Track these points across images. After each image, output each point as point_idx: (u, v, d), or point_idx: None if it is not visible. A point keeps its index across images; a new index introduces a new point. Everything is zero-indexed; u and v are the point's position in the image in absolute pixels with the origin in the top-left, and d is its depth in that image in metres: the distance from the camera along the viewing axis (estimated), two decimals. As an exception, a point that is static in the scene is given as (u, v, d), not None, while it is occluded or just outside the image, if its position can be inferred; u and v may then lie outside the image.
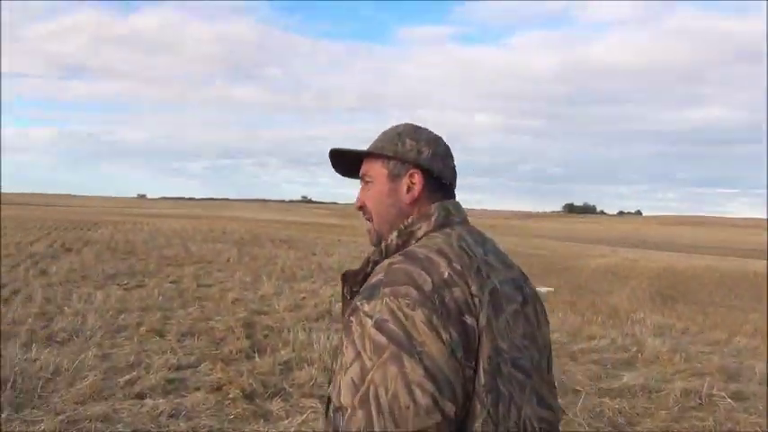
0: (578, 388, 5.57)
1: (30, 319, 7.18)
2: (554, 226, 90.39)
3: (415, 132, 1.38)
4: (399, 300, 1.11)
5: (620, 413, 5.03)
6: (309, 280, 12.27)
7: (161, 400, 4.61)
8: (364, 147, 1.42)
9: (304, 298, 9.92)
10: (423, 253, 1.20)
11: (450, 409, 1.07)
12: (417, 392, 1.05)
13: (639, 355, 7.02)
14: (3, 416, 4.17)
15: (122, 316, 7.64)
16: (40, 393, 4.69)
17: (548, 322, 1.36)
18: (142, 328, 7.05)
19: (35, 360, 5.48)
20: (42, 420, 4.15)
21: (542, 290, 13.01)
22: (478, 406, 1.11)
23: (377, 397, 1.06)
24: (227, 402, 4.74)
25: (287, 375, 5.59)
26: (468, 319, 1.13)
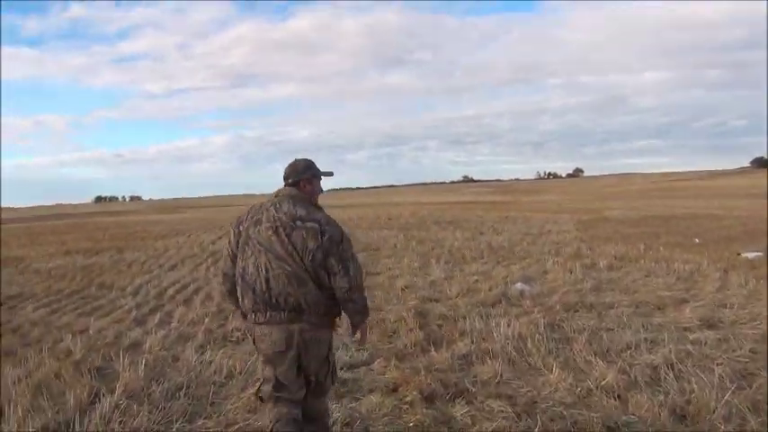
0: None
1: (207, 319, 7.23)
2: (742, 183, 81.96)
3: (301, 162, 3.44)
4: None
5: None
6: (480, 261, 11.62)
7: (334, 405, 4.21)
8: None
9: (477, 281, 9.29)
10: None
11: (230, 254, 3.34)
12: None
13: None
14: (174, 428, 3.98)
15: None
16: (212, 400, 4.49)
17: (311, 237, 3.13)
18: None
19: (210, 362, 5.37)
20: None
21: (750, 255, 11.36)
22: (240, 256, 3.24)
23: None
24: (404, 407, 4.24)
25: (468, 371, 5.01)
26: (242, 226, 3.29)
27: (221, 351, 5.72)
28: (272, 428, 3.14)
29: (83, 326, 7.17)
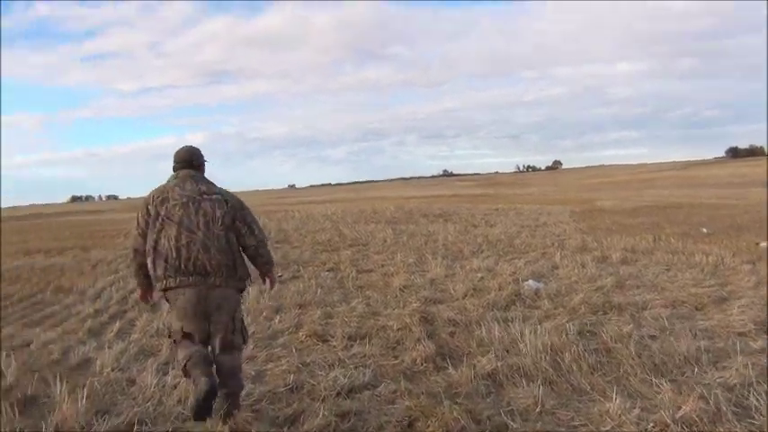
0: None
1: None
2: (719, 173, 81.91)
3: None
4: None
5: None
6: (480, 256, 10.60)
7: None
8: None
9: (482, 279, 8.29)
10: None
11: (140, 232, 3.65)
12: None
13: None
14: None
15: (278, 317, 6.41)
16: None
17: (218, 206, 3.63)
18: (301, 332, 5.78)
19: (174, 386, 4.29)
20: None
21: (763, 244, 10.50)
22: (151, 232, 3.58)
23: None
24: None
25: (498, 396, 4.00)
26: (150, 206, 3.61)
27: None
28: (184, 365, 3.53)
29: (26, 339, 6.06)
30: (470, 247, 11.71)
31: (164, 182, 3.76)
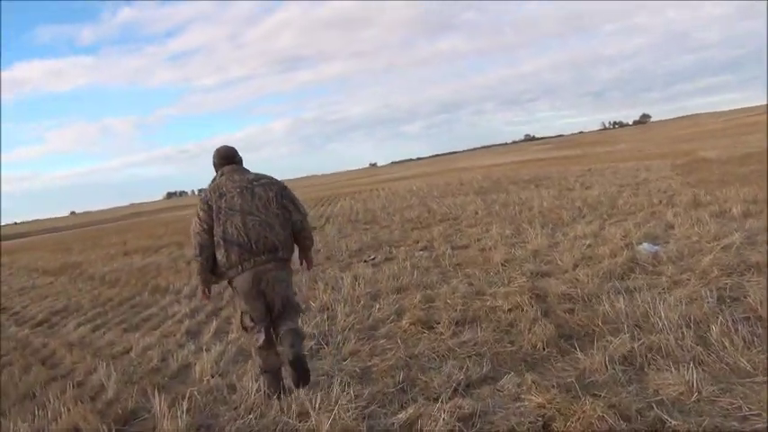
0: None
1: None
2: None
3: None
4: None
5: None
6: (582, 221, 9.88)
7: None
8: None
9: (589, 246, 7.62)
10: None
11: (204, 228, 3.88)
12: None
13: None
14: None
15: (377, 305, 6.03)
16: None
17: (269, 189, 3.99)
18: (404, 320, 5.37)
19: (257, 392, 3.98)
20: None
21: None
22: (216, 225, 3.85)
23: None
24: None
25: (642, 385, 3.44)
26: (210, 202, 3.89)
27: (285, 371, 4.34)
28: (257, 348, 3.95)
29: (126, 345, 5.96)
30: (570, 213, 10.96)
31: (209, 182, 4.14)
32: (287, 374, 4.00)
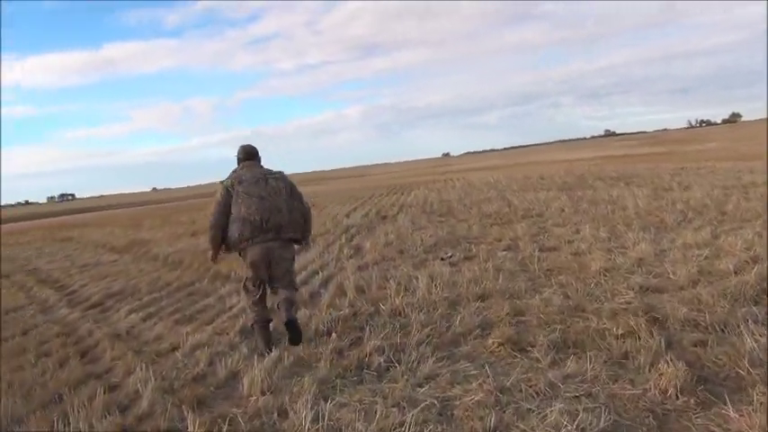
0: None
1: (338, 326, 5.22)
2: None
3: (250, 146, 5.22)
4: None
5: None
6: (690, 226, 8.72)
7: None
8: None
9: (706, 258, 6.54)
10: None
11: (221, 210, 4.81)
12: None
13: None
14: None
15: (457, 315, 5.18)
16: None
17: (280, 182, 4.94)
18: (491, 338, 4.51)
19: (335, 424, 3.22)
20: None
21: None
22: (234, 205, 4.76)
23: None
24: None
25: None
26: (231, 190, 4.80)
27: (349, 395, 3.58)
28: (252, 303, 4.92)
29: (174, 341, 5.36)
30: (672, 216, 9.77)
31: (229, 173, 5.02)
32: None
